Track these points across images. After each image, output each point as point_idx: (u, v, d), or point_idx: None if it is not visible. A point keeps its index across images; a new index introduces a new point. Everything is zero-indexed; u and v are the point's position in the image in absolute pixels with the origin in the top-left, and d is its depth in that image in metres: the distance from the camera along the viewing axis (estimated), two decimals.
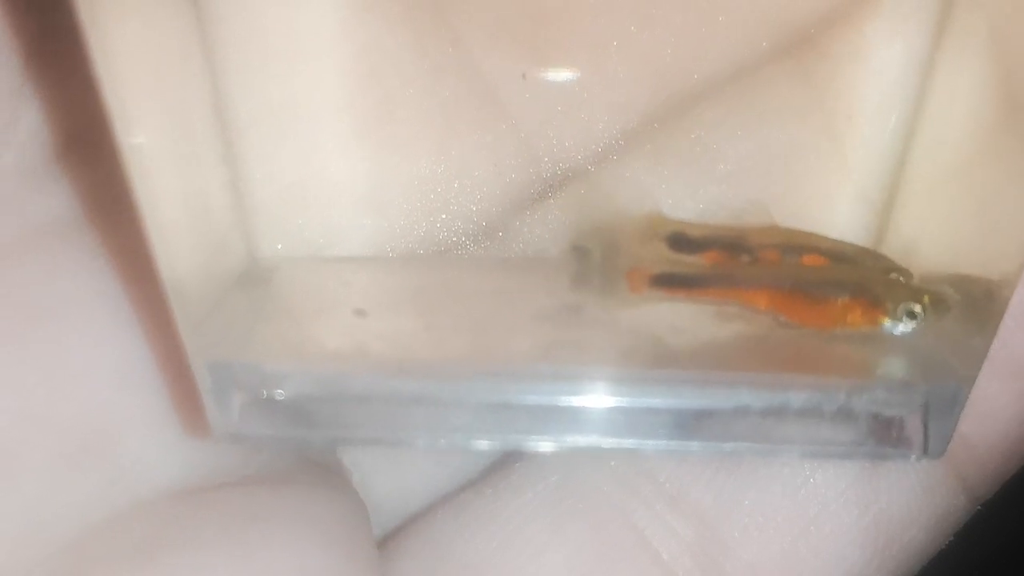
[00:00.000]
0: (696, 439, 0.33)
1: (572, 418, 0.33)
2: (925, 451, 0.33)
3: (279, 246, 0.37)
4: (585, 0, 0.35)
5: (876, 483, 0.37)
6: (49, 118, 0.34)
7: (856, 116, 0.37)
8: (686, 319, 0.36)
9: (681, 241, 0.36)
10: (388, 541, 0.39)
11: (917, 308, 0.34)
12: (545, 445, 0.33)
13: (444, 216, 0.37)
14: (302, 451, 0.37)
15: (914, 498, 0.37)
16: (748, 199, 0.37)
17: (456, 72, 0.36)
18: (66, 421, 0.33)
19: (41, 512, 0.32)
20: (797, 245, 0.36)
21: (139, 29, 0.29)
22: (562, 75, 0.36)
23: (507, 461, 0.39)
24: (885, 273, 0.36)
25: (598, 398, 0.33)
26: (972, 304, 0.33)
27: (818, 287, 0.35)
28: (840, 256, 0.36)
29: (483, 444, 0.33)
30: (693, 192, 0.38)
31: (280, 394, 0.32)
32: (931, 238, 0.36)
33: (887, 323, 0.34)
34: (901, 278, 0.36)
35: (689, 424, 0.33)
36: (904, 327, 0.34)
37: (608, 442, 0.33)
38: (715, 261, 0.36)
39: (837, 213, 0.38)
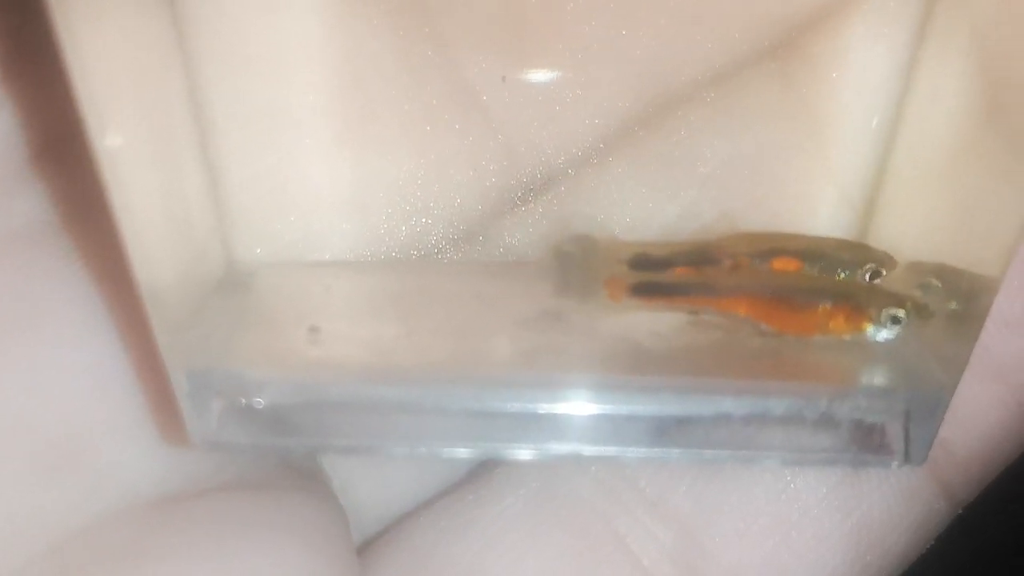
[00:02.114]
0: (678, 446, 0.33)
1: (553, 425, 0.32)
2: (907, 458, 0.33)
3: (258, 250, 0.37)
4: (567, 3, 0.34)
5: (857, 488, 0.37)
6: (23, 121, 0.33)
7: (838, 118, 0.37)
8: (666, 325, 0.35)
9: (644, 263, 0.36)
10: (368, 547, 0.39)
11: (900, 313, 0.34)
12: (526, 453, 0.33)
13: (424, 220, 0.37)
14: (282, 457, 0.37)
15: (895, 503, 0.37)
16: (717, 211, 0.37)
17: (437, 75, 0.35)
18: (43, 428, 0.32)
19: (19, 519, 0.32)
20: (766, 250, 0.36)
21: (114, 32, 0.29)
22: (543, 78, 0.36)
23: (487, 467, 0.39)
24: (866, 262, 0.36)
25: (579, 405, 0.32)
26: (957, 294, 0.33)
27: (800, 294, 0.35)
28: (815, 253, 0.36)
29: (464, 452, 0.32)
30: (674, 195, 0.38)
31: (259, 402, 0.32)
32: (913, 240, 0.36)
33: (870, 329, 0.34)
34: (883, 271, 0.35)
35: (671, 431, 0.32)
36: (887, 333, 0.34)
37: (589, 449, 0.33)
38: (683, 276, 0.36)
39: (819, 215, 0.38)
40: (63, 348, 0.33)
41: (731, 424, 0.32)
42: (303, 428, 0.32)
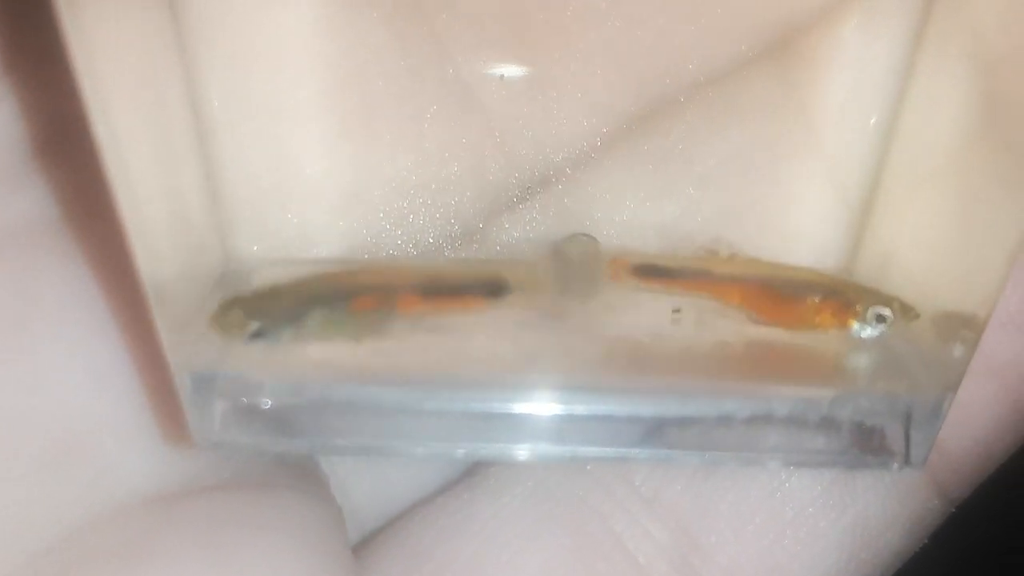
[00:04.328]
0: (680, 447, 0.33)
1: (553, 427, 0.32)
2: (907, 460, 0.33)
3: (255, 248, 0.37)
4: (566, 2, 0.34)
5: (852, 487, 0.37)
6: (24, 116, 0.33)
7: (835, 118, 0.37)
8: (666, 326, 0.36)
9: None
10: (365, 545, 0.39)
11: (886, 312, 0.34)
12: (525, 454, 0.33)
13: (422, 218, 0.37)
14: (278, 456, 0.37)
15: (889, 501, 0.37)
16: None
17: (435, 72, 0.35)
18: (41, 426, 0.32)
19: (18, 517, 0.32)
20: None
21: (117, 27, 0.29)
22: (541, 76, 0.36)
23: (484, 465, 0.39)
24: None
25: (580, 407, 0.32)
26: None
27: (791, 286, 0.35)
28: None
29: (465, 453, 0.32)
30: (671, 194, 0.38)
31: (266, 403, 0.31)
32: (910, 242, 0.36)
33: (856, 326, 0.34)
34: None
35: (673, 432, 0.33)
36: (872, 330, 0.34)
37: (590, 451, 0.33)
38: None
39: (815, 216, 0.38)
40: (63, 346, 0.32)
41: (733, 425, 0.32)
42: (304, 429, 0.32)
